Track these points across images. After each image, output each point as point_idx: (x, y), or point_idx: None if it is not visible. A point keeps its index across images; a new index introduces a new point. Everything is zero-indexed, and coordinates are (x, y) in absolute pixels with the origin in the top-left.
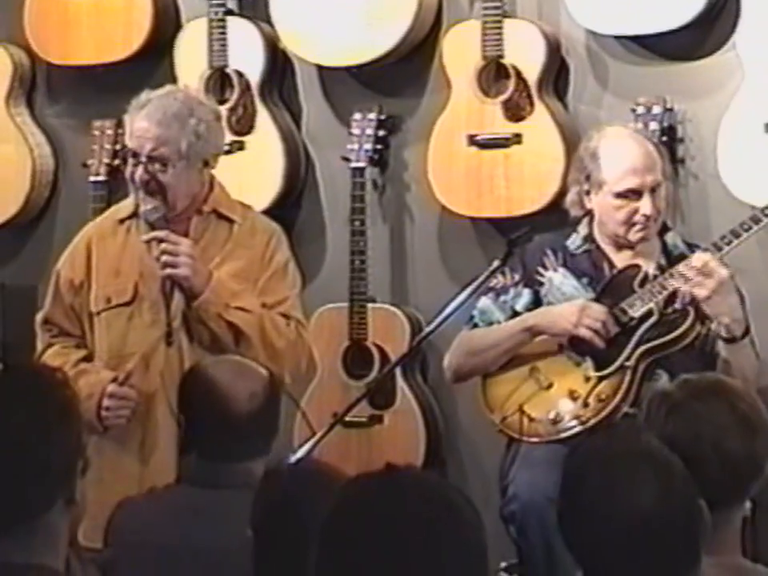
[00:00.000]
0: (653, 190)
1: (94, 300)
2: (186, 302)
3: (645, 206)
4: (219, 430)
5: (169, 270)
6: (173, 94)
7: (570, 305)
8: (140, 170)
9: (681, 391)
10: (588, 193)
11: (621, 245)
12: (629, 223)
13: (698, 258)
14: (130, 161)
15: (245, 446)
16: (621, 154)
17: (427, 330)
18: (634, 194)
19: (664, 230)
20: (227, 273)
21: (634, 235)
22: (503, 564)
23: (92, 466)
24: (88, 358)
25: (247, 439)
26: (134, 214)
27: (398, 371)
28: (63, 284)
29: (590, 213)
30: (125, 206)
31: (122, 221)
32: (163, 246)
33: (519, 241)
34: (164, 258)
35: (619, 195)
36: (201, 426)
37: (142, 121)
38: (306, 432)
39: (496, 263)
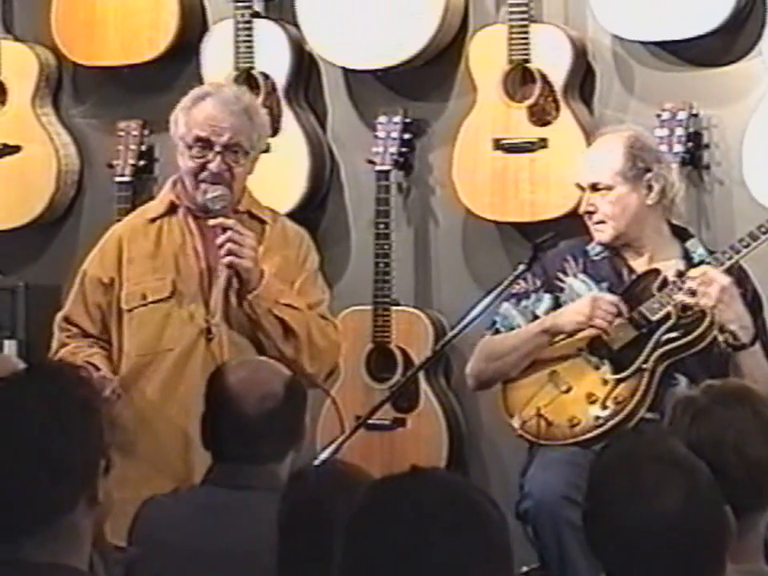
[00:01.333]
0: (594, 188)
1: (125, 297)
2: (238, 297)
3: (584, 201)
4: (231, 431)
5: (233, 258)
6: (231, 88)
7: (581, 299)
8: (218, 159)
9: (705, 397)
10: None
11: (637, 249)
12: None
13: (698, 269)
14: (196, 151)
15: (261, 448)
16: (587, 151)
17: (451, 333)
18: (591, 188)
19: (686, 236)
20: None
21: (593, 232)
22: (524, 568)
23: (130, 463)
24: (108, 359)
25: (262, 441)
26: (166, 213)
27: (421, 374)
28: (89, 282)
29: None
30: (152, 207)
31: (152, 220)
32: (230, 234)
33: (545, 245)
34: (229, 245)
35: (583, 190)
36: (216, 426)
37: (215, 110)
38: (329, 434)
39: (521, 267)
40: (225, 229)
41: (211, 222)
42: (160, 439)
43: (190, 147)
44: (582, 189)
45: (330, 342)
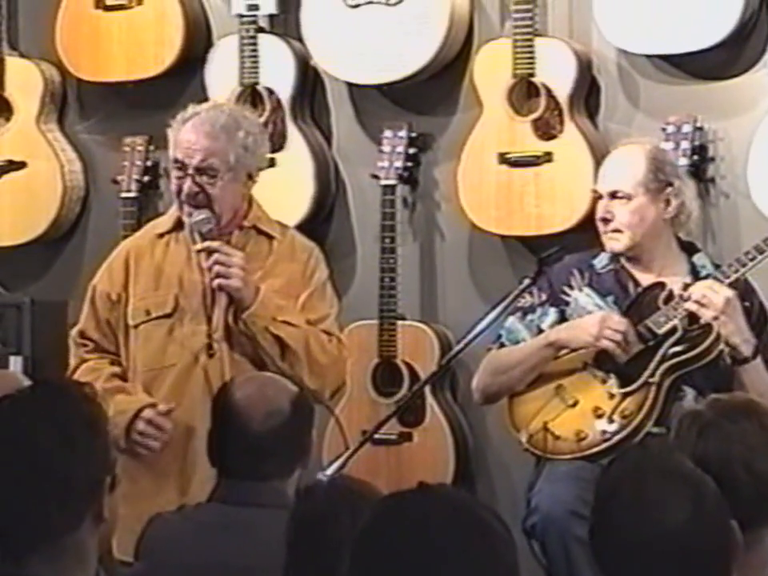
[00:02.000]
0: (613, 196)
1: (131, 313)
2: (234, 316)
3: (599, 209)
4: (237, 448)
5: (221, 281)
6: (219, 107)
7: (590, 317)
8: (188, 181)
9: (712, 411)
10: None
11: (643, 262)
12: (601, 228)
13: (702, 282)
14: (175, 173)
15: (266, 465)
16: (607, 160)
17: (457, 348)
18: (600, 198)
19: (692, 250)
20: (269, 288)
21: (606, 242)
22: None
23: (131, 478)
24: (121, 375)
25: (268, 457)
26: (174, 229)
27: (427, 389)
28: (99, 298)
29: None
30: (162, 222)
31: (160, 235)
32: (216, 256)
33: (550, 259)
34: (216, 268)
35: (594, 191)
36: (222, 442)
37: (190, 133)
38: (335, 449)
39: (527, 281)
40: (210, 252)
41: (196, 246)
42: (162, 454)
43: (173, 169)
44: (598, 196)
45: (332, 357)
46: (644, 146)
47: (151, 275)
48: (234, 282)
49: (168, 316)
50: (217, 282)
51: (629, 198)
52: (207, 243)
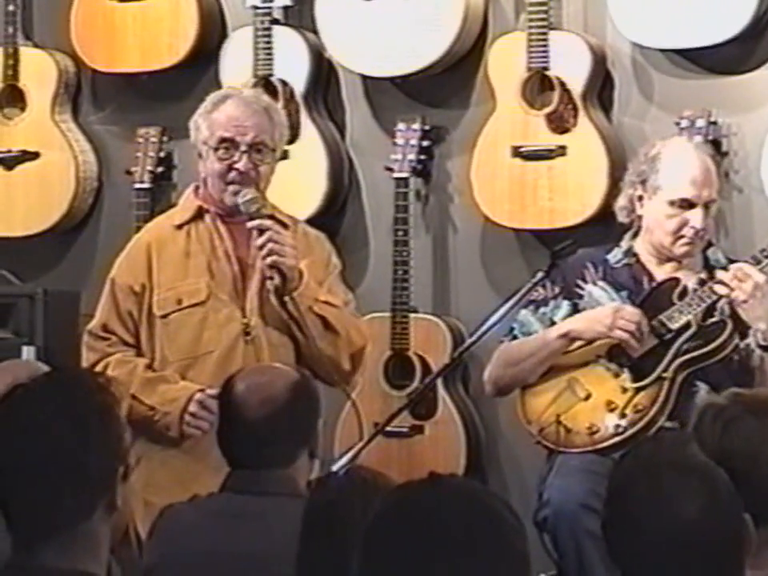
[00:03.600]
0: (706, 206)
1: (158, 304)
2: (278, 297)
3: (695, 219)
4: (237, 437)
5: (276, 258)
6: (246, 90)
7: (603, 308)
8: (244, 158)
9: (736, 406)
10: (641, 198)
11: (664, 257)
12: (676, 235)
13: (734, 265)
14: (221, 153)
15: (266, 452)
16: (683, 163)
17: (469, 340)
18: (689, 205)
19: (707, 245)
20: None
21: (679, 248)
22: None
23: (168, 466)
24: (150, 366)
25: (267, 445)
26: (193, 219)
27: (439, 382)
28: (120, 290)
29: (637, 222)
30: (178, 213)
31: (179, 226)
32: (270, 233)
33: (563, 253)
34: (270, 245)
35: (673, 203)
36: (226, 433)
37: (238, 110)
38: (347, 440)
39: (539, 275)
40: (262, 230)
41: (249, 224)
42: (201, 443)
43: (216, 149)
44: (687, 204)
45: (364, 339)
46: (698, 143)
47: (178, 265)
48: (289, 260)
49: (201, 304)
50: (271, 259)
51: (713, 202)
52: (260, 221)
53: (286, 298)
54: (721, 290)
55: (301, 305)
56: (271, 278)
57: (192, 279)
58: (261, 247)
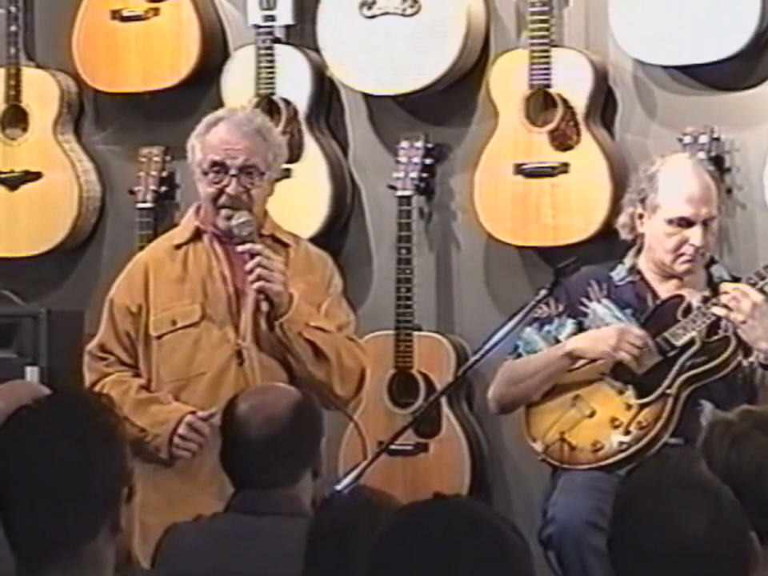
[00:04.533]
0: (705, 223)
1: (154, 324)
2: (268, 322)
3: (695, 237)
4: (240, 457)
5: (263, 284)
6: (243, 110)
7: (609, 328)
8: (234, 182)
9: (745, 422)
10: (641, 216)
11: (666, 275)
12: (676, 252)
13: (731, 285)
14: (212, 177)
15: (269, 472)
16: (680, 181)
17: (473, 358)
18: (687, 223)
19: (710, 262)
20: None
21: (679, 266)
22: None
23: (160, 487)
24: (146, 387)
25: (269, 465)
26: (192, 239)
27: (443, 399)
28: (118, 311)
29: (640, 240)
30: (178, 233)
31: (178, 246)
32: (259, 258)
33: (567, 270)
34: (259, 270)
35: (671, 222)
36: (229, 453)
37: (228, 134)
38: (352, 459)
39: (543, 292)
40: (252, 254)
41: (239, 248)
42: (194, 463)
43: (206, 173)
44: (685, 223)
45: (358, 363)
46: (695, 159)
47: (173, 285)
48: (276, 286)
49: (195, 325)
50: (258, 284)
51: (713, 219)
52: (250, 245)
53: (276, 323)
54: (719, 311)
55: (289, 330)
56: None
57: (187, 300)
58: (250, 272)
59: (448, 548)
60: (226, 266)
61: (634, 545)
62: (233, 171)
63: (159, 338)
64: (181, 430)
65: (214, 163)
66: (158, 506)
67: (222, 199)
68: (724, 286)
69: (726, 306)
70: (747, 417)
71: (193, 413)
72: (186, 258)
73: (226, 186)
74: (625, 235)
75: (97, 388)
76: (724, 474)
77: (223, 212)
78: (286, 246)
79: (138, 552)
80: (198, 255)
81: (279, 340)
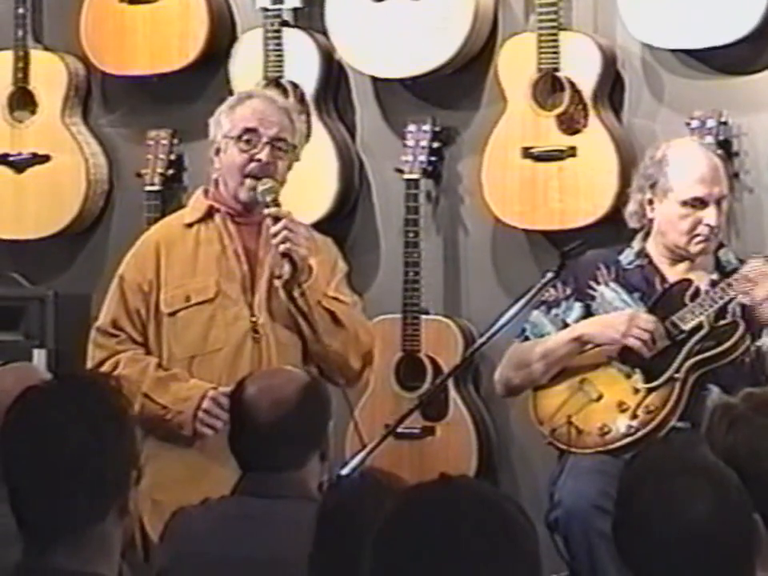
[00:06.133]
0: (718, 202)
1: (166, 301)
2: (286, 290)
3: (709, 216)
4: (248, 440)
5: (289, 245)
6: (274, 92)
7: (618, 314)
8: (266, 149)
9: (744, 404)
10: (651, 202)
11: (678, 258)
12: (691, 234)
13: (750, 264)
14: (242, 145)
15: (277, 455)
16: (690, 162)
17: (480, 341)
18: (701, 203)
19: (718, 246)
20: None
21: (694, 247)
22: None
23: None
24: (159, 364)
25: (278, 447)
26: (204, 218)
27: (450, 383)
28: (129, 288)
29: (648, 225)
30: (188, 212)
31: (189, 225)
32: (285, 222)
33: (573, 253)
34: (285, 233)
35: (685, 203)
36: (237, 436)
37: (262, 105)
38: (358, 443)
39: (549, 275)
40: (277, 219)
41: (266, 210)
42: (210, 439)
43: (238, 139)
44: (699, 203)
45: (372, 339)
46: (704, 143)
47: (187, 263)
48: (302, 249)
49: (210, 301)
50: (284, 246)
51: (724, 198)
52: (276, 209)
53: (296, 291)
54: (739, 289)
55: (310, 298)
56: (279, 277)
57: (201, 277)
58: (275, 235)
59: (453, 529)
60: (240, 243)
61: (638, 529)
62: (265, 139)
63: (172, 314)
64: (205, 405)
65: (247, 130)
66: (174, 483)
67: (251, 167)
68: (745, 264)
69: (746, 284)
70: (747, 399)
71: (214, 389)
72: (197, 237)
73: (256, 153)
74: (634, 224)
75: (107, 365)
76: (723, 456)
77: (248, 182)
78: None
79: (150, 530)
80: (211, 233)
81: (298, 308)
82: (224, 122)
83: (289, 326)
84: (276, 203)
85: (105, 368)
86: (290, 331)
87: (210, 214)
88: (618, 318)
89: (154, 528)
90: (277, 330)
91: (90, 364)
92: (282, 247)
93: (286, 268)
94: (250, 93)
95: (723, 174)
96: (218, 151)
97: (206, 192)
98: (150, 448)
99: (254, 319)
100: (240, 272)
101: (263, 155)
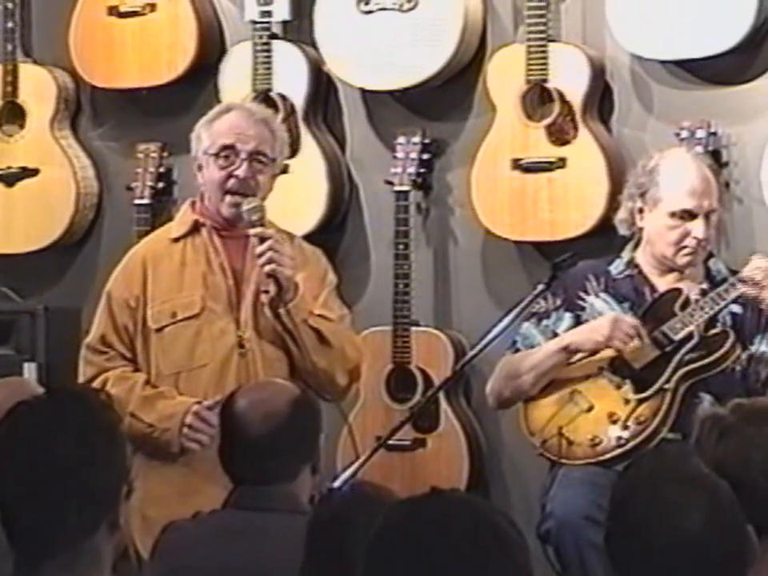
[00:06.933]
0: (707, 216)
1: (153, 317)
2: (273, 309)
3: (698, 229)
4: (238, 453)
5: (274, 266)
6: (249, 103)
7: (601, 318)
8: (244, 165)
9: (733, 415)
10: (641, 211)
11: (666, 268)
12: (678, 245)
13: (758, 261)
14: (221, 162)
15: (269, 468)
16: (682, 174)
17: (471, 353)
18: (690, 215)
19: (708, 256)
20: None
21: (681, 258)
22: None
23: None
24: (148, 381)
25: (269, 460)
26: (190, 232)
27: (441, 394)
28: (116, 304)
29: (639, 233)
30: (175, 226)
31: (175, 240)
32: (270, 242)
33: (564, 264)
34: (270, 254)
35: (674, 215)
36: (228, 449)
37: (239, 120)
38: (349, 454)
39: (540, 287)
40: (263, 239)
41: (252, 231)
42: (200, 455)
43: (216, 156)
44: (688, 215)
45: (359, 354)
46: (695, 154)
47: (173, 278)
48: (287, 270)
49: (195, 317)
50: (270, 267)
51: (714, 212)
52: (262, 229)
53: (281, 310)
54: (749, 289)
55: (296, 317)
56: (266, 292)
57: (187, 292)
58: (260, 255)
59: (445, 542)
60: (225, 258)
61: (630, 539)
62: (243, 155)
63: (159, 330)
64: (188, 419)
65: (225, 147)
66: (163, 499)
67: (230, 183)
68: (753, 261)
69: (756, 284)
70: (736, 410)
71: (199, 403)
72: (184, 251)
73: (235, 169)
74: (624, 231)
75: (96, 382)
76: (713, 467)
77: (228, 198)
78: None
79: (141, 545)
80: (197, 248)
81: (284, 327)
82: (203, 138)
83: (275, 341)
84: (262, 222)
85: (94, 385)
86: (276, 347)
87: (196, 227)
88: (601, 322)
89: (144, 544)
90: (263, 345)
91: (80, 381)
92: (267, 268)
93: (272, 288)
94: (228, 106)
95: (714, 187)
96: (200, 167)
97: (193, 205)
98: (139, 464)
99: (239, 334)
100: (226, 287)
101: (241, 171)
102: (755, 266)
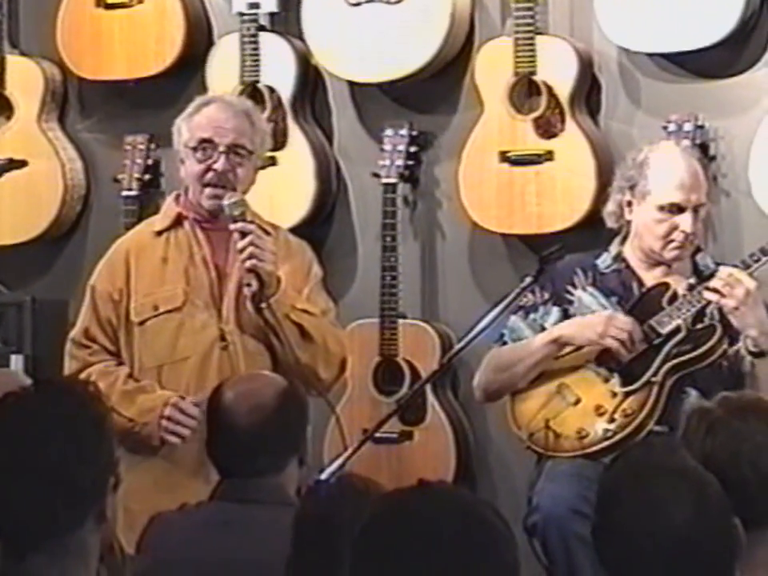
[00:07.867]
0: (695, 210)
1: (135, 310)
2: (254, 304)
3: (685, 223)
4: (226, 445)
5: (255, 261)
6: (229, 95)
7: (597, 315)
8: (222, 158)
9: (721, 408)
10: (630, 203)
11: (654, 262)
12: (666, 239)
13: (725, 270)
14: (200, 155)
15: (256, 460)
16: (670, 167)
17: (458, 346)
18: (678, 209)
19: (695, 250)
20: None
21: (668, 252)
22: None
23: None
24: (131, 375)
25: (257, 453)
26: (173, 225)
27: (428, 387)
28: (100, 297)
29: (626, 226)
30: (158, 220)
31: (159, 233)
32: (252, 237)
33: (551, 258)
34: (251, 249)
35: (662, 208)
36: (215, 441)
37: (218, 113)
38: (336, 447)
39: (528, 280)
40: (244, 234)
41: (232, 226)
42: (181, 448)
43: (194, 150)
44: (676, 208)
45: (342, 348)
46: (684, 147)
47: (155, 271)
48: (267, 265)
49: (177, 310)
50: (250, 262)
51: (702, 206)
52: (242, 224)
53: (263, 305)
54: (712, 296)
55: (277, 311)
56: (249, 285)
57: (169, 285)
58: (241, 250)
59: (432, 535)
60: (208, 251)
61: (617, 532)
62: (221, 148)
63: (141, 323)
64: (167, 411)
65: (203, 140)
66: (146, 492)
67: (209, 176)
68: (720, 271)
69: (718, 292)
70: (724, 404)
71: (182, 398)
72: (167, 244)
73: (213, 163)
74: (611, 223)
75: (80, 377)
76: (700, 460)
77: (208, 190)
78: (266, 233)
79: (123, 538)
80: (180, 241)
81: (266, 322)
82: (183, 131)
83: (257, 335)
84: (243, 217)
85: None
86: (258, 341)
87: (179, 221)
88: (596, 318)
89: (126, 537)
90: (245, 338)
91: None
92: (248, 263)
93: (253, 283)
94: (208, 99)
95: (703, 181)
96: (182, 161)
97: (177, 198)
98: (121, 457)
99: (221, 327)
100: (208, 280)
101: (219, 165)
102: (723, 274)
